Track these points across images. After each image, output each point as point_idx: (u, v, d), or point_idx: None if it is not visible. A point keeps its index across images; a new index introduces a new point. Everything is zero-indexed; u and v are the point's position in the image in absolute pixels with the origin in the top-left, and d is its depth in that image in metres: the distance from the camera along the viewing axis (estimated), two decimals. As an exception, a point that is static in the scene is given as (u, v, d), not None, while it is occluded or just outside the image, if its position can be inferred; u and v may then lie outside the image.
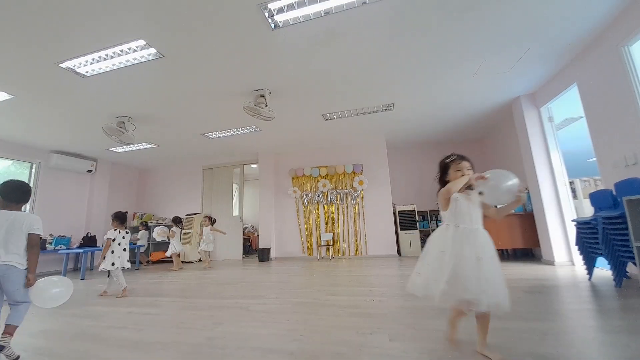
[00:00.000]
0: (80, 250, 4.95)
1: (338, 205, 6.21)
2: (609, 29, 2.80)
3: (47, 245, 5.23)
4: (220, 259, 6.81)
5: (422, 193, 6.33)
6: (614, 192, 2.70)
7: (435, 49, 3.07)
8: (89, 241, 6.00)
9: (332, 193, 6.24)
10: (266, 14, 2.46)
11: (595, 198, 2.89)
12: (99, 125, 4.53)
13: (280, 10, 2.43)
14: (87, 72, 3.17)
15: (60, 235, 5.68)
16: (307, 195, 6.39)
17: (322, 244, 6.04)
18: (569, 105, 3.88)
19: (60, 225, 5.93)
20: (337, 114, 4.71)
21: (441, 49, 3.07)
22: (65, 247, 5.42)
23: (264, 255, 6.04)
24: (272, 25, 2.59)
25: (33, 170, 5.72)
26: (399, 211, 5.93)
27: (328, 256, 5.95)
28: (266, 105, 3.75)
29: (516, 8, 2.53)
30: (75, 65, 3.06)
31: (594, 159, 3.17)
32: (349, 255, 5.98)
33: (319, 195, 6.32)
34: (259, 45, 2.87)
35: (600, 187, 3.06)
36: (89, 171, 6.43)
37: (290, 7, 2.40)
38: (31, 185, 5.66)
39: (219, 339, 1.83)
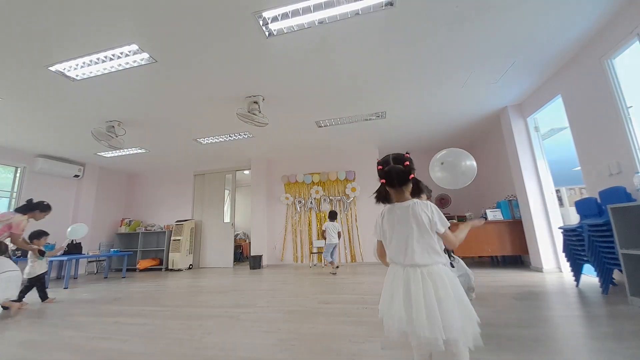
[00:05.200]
0: (65, 258, 4.79)
1: (330, 212, 6.20)
2: (591, 43, 2.92)
3: (29, 253, 5.04)
4: (211, 267, 6.69)
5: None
6: (599, 200, 2.78)
7: (426, 59, 3.14)
8: (73, 249, 5.81)
9: (325, 200, 6.24)
10: (261, 22, 2.48)
11: (581, 206, 2.97)
12: (88, 129, 4.45)
13: (275, 19, 2.46)
14: (77, 75, 3.13)
15: (43, 242, 5.49)
16: (299, 201, 6.37)
17: (315, 252, 6.00)
18: (554, 115, 4.00)
19: (44, 232, 5.73)
20: (330, 121, 4.74)
21: (432, 59, 3.15)
22: (48, 255, 5.22)
23: (255, 262, 5.95)
24: (267, 33, 2.62)
25: (17, 174, 5.55)
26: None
27: (320, 263, 5.91)
28: (259, 112, 3.75)
29: (503, 22, 2.62)
30: (65, 69, 3.01)
31: (579, 167, 3.26)
32: (344, 262, 5.95)
33: (311, 202, 6.30)
34: (254, 52, 2.89)
35: (585, 195, 3.15)
36: (76, 176, 6.28)
37: (285, 16, 2.43)
38: (15, 190, 5.49)
39: (207, 350, 1.79)
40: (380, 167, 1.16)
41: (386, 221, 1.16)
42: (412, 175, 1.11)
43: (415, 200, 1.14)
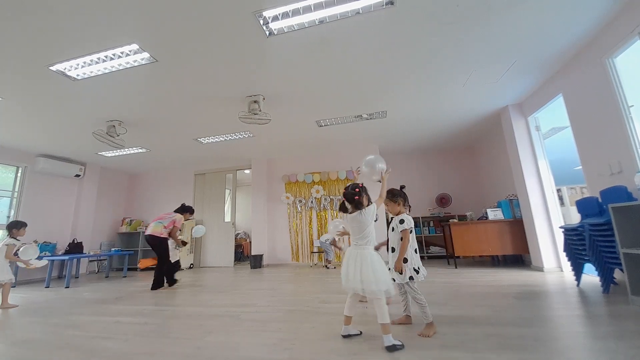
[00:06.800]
0: (66, 257, 4.80)
1: (332, 212, 6.20)
2: (592, 42, 2.90)
3: (30, 252, 5.05)
4: (211, 266, 6.70)
5: (414, 199, 6.37)
6: (600, 200, 2.77)
7: (426, 59, 3.13)
8: (75, 248, 5.83)
9: (325, 199, 6.24)
10: (261, 22, 2.48)
11: (582, 205, 2.96)
12: (89, 128, 4.46)
13: (275, 18, 2.46)
14: (77, 75, 3.13)
15: (45, 242, 5.51)
16: (300, 201, 6.37)
17: (315, 251, 6.00)
18: (555, 114, 3.99)
19: (46, 231, 5.75)
20: (331, 120, 4.74)
21: (432, 59, 3.14)
22: (49, 254, 5.25)
23: (256, 262, 5.96)
24: (267, 33, 2.61)
25: (19, 174, 5.56)
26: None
27: (321, 263, 5.91)
28: (260, 111, 3.75)
29: (504, 21, 2.61)
30: (66, 69, 3.02)
31: (580, 167, 3.25)
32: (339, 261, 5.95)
33: (312, 202, 6.30)
34: (254, 52, 2.89)
35: (587, 194, 3.14)
36: (77, 175, 6.28)
37: (285, 15, 2.43)
38: (16, 190, 5.50)
39: (208, 349, 1.79)
40: (344, 191, 1.93)
41: (349, 221, 1.92)
42: (356, 197, 1.87)
43: (360, 210, 1.87)
